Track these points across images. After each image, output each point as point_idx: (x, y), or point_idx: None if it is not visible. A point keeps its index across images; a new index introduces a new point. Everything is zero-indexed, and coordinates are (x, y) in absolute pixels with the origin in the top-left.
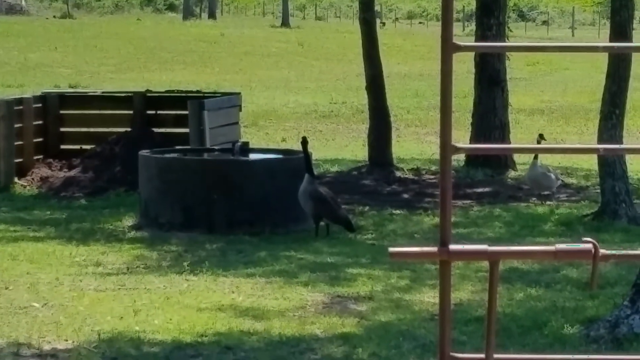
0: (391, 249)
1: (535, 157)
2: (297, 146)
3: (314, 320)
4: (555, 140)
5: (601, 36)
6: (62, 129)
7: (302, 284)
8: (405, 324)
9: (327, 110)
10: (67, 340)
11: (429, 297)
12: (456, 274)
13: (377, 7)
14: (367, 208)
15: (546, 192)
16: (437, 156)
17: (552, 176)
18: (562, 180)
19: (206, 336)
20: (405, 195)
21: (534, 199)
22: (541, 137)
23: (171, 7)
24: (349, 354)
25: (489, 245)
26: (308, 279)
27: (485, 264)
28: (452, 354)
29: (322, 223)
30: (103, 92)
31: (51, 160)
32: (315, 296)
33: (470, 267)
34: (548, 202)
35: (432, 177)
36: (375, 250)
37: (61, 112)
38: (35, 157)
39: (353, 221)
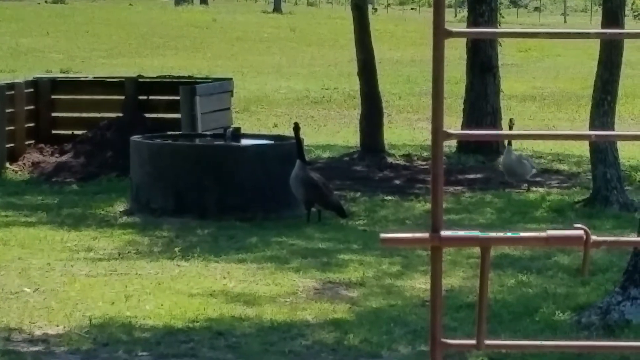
0: (383, 235)
1: (509, 143)
2: (289, 132)
3: (305, 306)
4: (547, 126)
5: (593, 22)
6: (53, 114)
7: (293, 270)
8: (397, 310)
9: (318, 96)
10: (58, 326)
11: (420, 283)
12: (447, 260)
13: None
14: (358, 194)
15: (521, 179)
16: (428, 142)
17: (527, 163)
18: (536, 169)
19: (197, 322)
20: (397, 181)
21: (525, 185)
22: (511, 122)
23: None
24: (340, 340)
25: (481, 232)
26: (299, 265)
27: (477, 250)
28: (443, 340)
29: (313, 209)
30: (95, 78)
31: (43, 145)
32: (306, 282)
33: (461, 253)
34: (533, 189)
35: (424, 163)
36: (366, 236)
37: (53, 97)
38: (27, 142)
39: (345, 207)
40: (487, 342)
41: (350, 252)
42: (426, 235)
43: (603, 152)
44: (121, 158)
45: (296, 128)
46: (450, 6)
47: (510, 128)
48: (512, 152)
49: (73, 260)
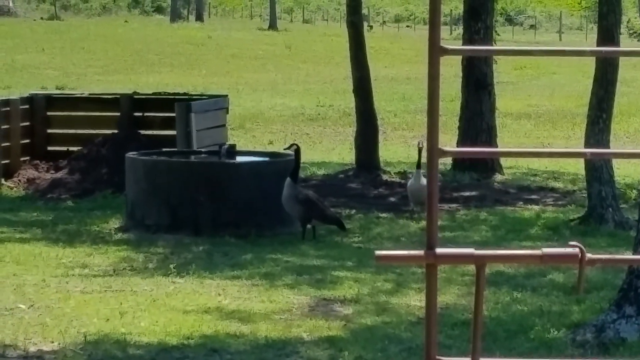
0: (377, 252)
1: (418, 167)
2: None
3: (300, 323)
4: (542, 144)
5: (588, 40)
6: (49, 131)
7: (288, 287)
8: (391, 327)
9: (314, 113)
10: (53, 342)
11: (414, 301)
12: (442, 277)
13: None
14: (353, 211)
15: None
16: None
17: None
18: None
19: (192, 339)
20: (392, 199)
21: (520, 203)
22: (420, 144)
23: (159, 10)
24: (334, 357)
25: (476, 249)
26: (294, 282)
27: (471, 267)
28: (438, 357)
29: (309, 226)
30: (90, 94)
31: (38, 161)
32: (301, 299)
33: (456, 270)
34: (529, 206)
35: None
36: (361, 254)
37: (48, 113)
38: (22, 159)
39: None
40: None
41: (345, 269)
42: (421, 252)
43: (598, 170)
44: (116, 175)
45: (297, 150)
46: (445, 24)
47: (419, 151)
48: (422, 177)
49: (68, 276)
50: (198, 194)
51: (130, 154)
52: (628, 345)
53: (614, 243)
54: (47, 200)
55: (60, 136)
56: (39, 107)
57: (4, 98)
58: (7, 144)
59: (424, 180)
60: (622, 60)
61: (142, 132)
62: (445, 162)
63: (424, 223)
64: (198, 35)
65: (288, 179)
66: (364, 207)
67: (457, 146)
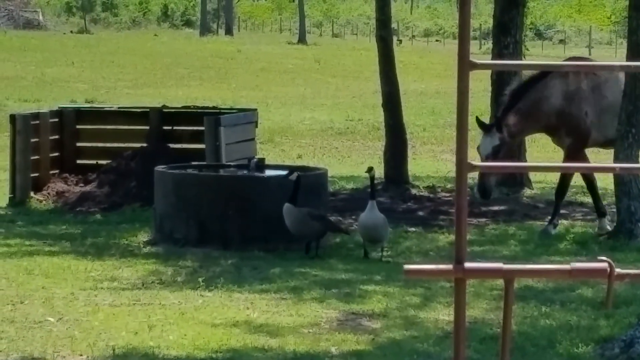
0: (406, 266)
1: (372, 197)
2: (313, 162)
3: (328, 337)
4: None
5: (618, 55)
6: (78, 144)
7: (316, 301)
8: (419, 341)
9: (343, 128)
10: (81, 355)
11: (443, 315)
12: (470, 291)
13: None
14: None
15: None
16: (452, 174)
17: (389, 229)
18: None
19: (220, 352)
20: (421, 213)
21: (549, 217)
22: (371, 170)
23: (188, 23)
24: None
25: (504, 264)
26: (322, 296)
27: (500, 282)
28: None
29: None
30: (119, 108)
31: (67, 175)
32: (329, 313)
33: (484, 284)
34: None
35: (448, 194)
36: (389, 268)
37: (77, 127)
38: (51, 172)
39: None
40: None
41: (374, 283)
42: (450, 267)
43: (627, 185)
44: (145, 188)
45: (298, 177)
46: (474, 38)
47: (371, 179)
48: (376, 209)
49: (97, 289)
50: (227, 207)
51: (159, 168)
52: None
53: None
54: (76, 213)
55: (90, 150)
56: (69, 120)
57: (33, 111)
58: (37, 157)
59: (378, 213)
60: None
61: (171, 145)
62: (474, 177)
63: (452, 237)
64: (227, 49)
65: (289, 205)
66: (392, 221)
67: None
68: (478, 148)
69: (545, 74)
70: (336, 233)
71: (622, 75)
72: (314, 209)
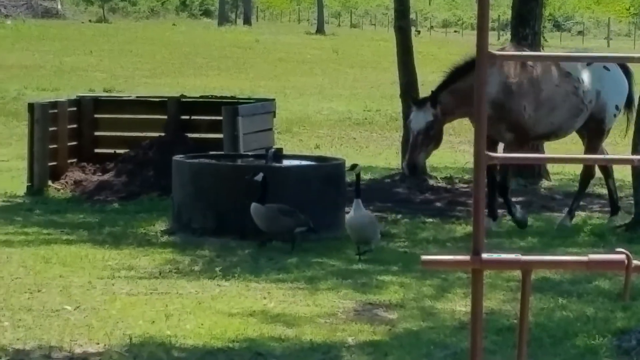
0: (424, 257)
1: (357, 196)
2: (331, 153)
3: (345, 328)
4: None
5: (637, 47)
6: (96, 133)
7: (333, 291)
8: (436, 332)
9: (361, 118)
10: (98, 344)
11: (460, 306)
12: (487, 282)
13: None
14: (399, 216)
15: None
16: (470, 165)
17: (379, 229)
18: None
19: (237, 342)
20: (438, 204)
21: (567, 209)
22: (354, 167)
23: (206, 13)
24: None
25: (522, 255)
26: (339, 286)
27: (517, 273)
28: None
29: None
30: (137, 97)
31: (85, 164)
32: (346, 303)
33: (500, 276)
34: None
35: (465, 186)
36: (406, 258)
37: (95, 116)
38: (69, 161)
39: (385, 228)
40: None
41: (390, 273)
42: (467, 258)
43: None
44: (163, 177)
45: (264, 178)
46: (493, 29)
47: (357, 177)
48: (362, 208)
49: (114, 278)
50: (244, 197)
51: (177, 157)
52: None
53: None
54: (94, 202)
55: (108, 139)
56: (87, 109)
57: (52, 100)
58: (55, 146)
59: (365, 212)
60: None
61: (189, 135)
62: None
63: (470, 228)
64: (246, 39)
65: (256, 205)
66: (410, 212)
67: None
68: (409, 123)
69: None
70: (303, 227)
71: (554, 69)
72: (284, 205)
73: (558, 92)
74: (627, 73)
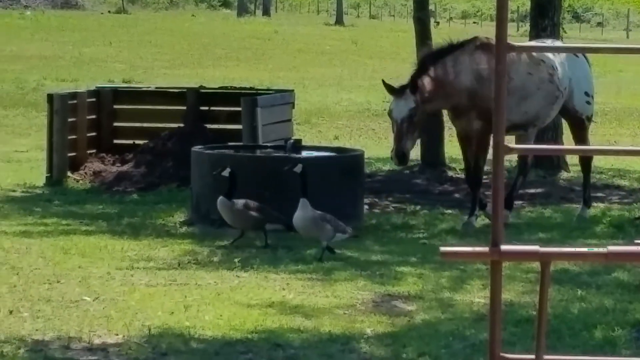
0: (443, 249)
1: (303, 195)
2: (350, 144)
3: (363, 319)
4: (608, 142)
5: None
6: (115, 124)
7: (351, 282)
8: (455, 323)
9: (380, 109)
10: (117, 335)
11: (478, 297)
12: (505, 274)
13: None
14: (418, 207)
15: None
16: (489, 156)
17: (328, 226)
18: (349, 233)
19: (256, 333)
20: (457, 195)
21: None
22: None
23: (225, 4)
24: (397, 353)
25: (541, 247)
26: (358, 277)
27: (535, 264)
28: (502, 354)
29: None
30: (156, 88)
31: (104, 154)
32: (364, 294)
33: (519, 267)
34: (594, 204)
35: (484, 177)
36: (425, 250)
37: (114, 107)
38: (89, 152)
39: (404, 220)
40: (546, 357)
41: (409, 265)
42: (486, 249)
43: None
44: (182, 168)
45: (232, 173)
46: (512, 20)
47: (302, 174)
48: (308, 207)
49: (133, 269)
50: (263, 188)
51: (196, 148)
52: None
53: None
54: (113, 193)
55: (127, 129)
56: (106, 100)
57: (71, 91)
58: (74, 136)
59: (308, 213)
60: None
61: (208, 126)
62: (511, 159)
63: (489, 220)
64: (265, 30)
65: (223, 199)
66: (428, 203)
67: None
68: (390, 113)
69: (454, 47)
70: (275, 223)
71: (525, 57)
72: (252, 200)
73: (531, 80)
74: (588, 62)
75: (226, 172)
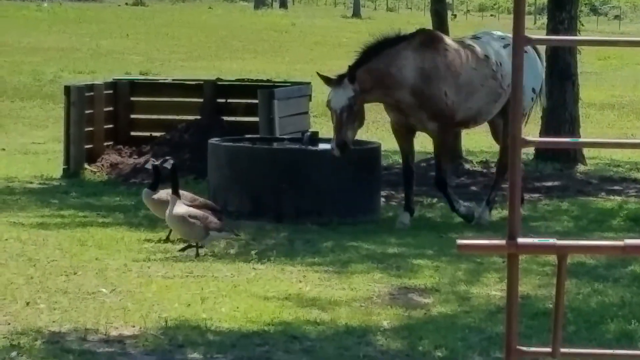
0: (459, 241)
1: (173, 192)
2: (366, 137)
3: (380, 312)
4: (625, 135)
5: None
6: (132, 116)
7: (368, 275)
8: (471, 316)
9: None
10: (134, 327)
11: (495, 290)
12: (522, 267)
13: None
14: (435, 200)
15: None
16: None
17: (198, 224)
18: (229, 233)
19: (273, 325)
20: (474, 188)
21: (603, 193)
22: (164, 162)
23: None
24: (414, 346)
25: (557, 240)
26: (374, 270)
27: (552, 257)
28: (518, 347)
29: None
30: (173, 80)
31: (121, 146)
32: (381, 287)
33: (535, 260)
34: (611, 197)
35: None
36: (442, 242)
37: (132, 99)
38: (105, 144)
39: (420, 213)
40: (563, 350)
41: (426, 257)
42: (503, 242)
43: None
44: (199, 160)
45: (173, 166)
46: (529, 13)
47: (172, 169)
48: (178, 205)
49: (149, 261)
50: (280, 181)
51: (213, 140)
52: None
53: None
54: (130, 185)
55: (144, 122)
56: (123, 92)
57: (88, 83)
58: (91, 128)
59: (175, 211)
60: None
61: (225, 118)
62: (528, 152)
63: (505, 212)
64: (282, 22)
65: (147, 191)
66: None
67: (540, 136)
68: (328, 104)
69: (397, 40)
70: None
71: (471, 52)
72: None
73: (476, 75)
74: (540, 57)
75: (168, 164)
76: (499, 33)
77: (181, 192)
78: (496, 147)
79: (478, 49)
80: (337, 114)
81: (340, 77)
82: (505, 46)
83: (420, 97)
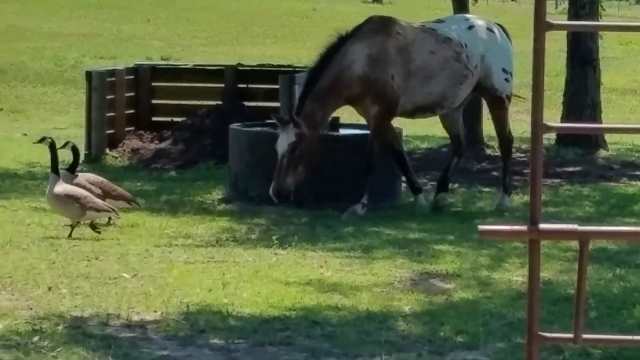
0: (481, 227)
1: (52, 171)
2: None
3: (401, 297)
4: None
5: None
6: (153, 101)
7: (389, 260)
8: (493, 302)
9: None
10: (155, 312)
11: (516, 276)
12: (543, 252)
13: None
14: (456, 185)
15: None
16: (527, 134)
17: (75, 205)
18: (112, 212)
19: (294, 310)
20: (495, 173)
21: (624, 179)
22: (42, 140)
23: None
24: (435, 331)
25: (579, 225)
26: (395, 255)
27: (573, 243)
28: (540, 333)
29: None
30: (194, 65)
31: (142, 132)
32: (402, 272)
33: (557, 246)
34: (633, 183)
35: (522, 155)
36: (463, 228)
37: (153, 84)
38: (127, 129)
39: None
40: (585, 336)
41: (447, 243)
42: (524, 228)
43: None
44: (220, 146)
45: (74, 147)
46: None
47: (51, 148)
48: (56, 184)
49: (171, 246)
50: None
51: (234, 126)
52: None
53: None
54: (151, 170)
55: (165, 107)
56: (144, 77)
57: (109, 68)
58: (112, 114)
59: (57, 188)
60: None
61: (246, 103)
62: (550, 137)
63: (527, 198)
64: (303, 8)
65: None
66: (466, 181)
67: (561, 121)
68: (276, 146)
69: (343, 41)
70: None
71: (429, 35)
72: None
73: (434, 59)
74: (509, 37)
75: (69, 146)
76: (467, 16)
77: (87, 175)
78: (517, 133)
79: (438, 32)
80: (279, 159)
81: (287, 120)
82: (469, 27)
83: (366, 83)
